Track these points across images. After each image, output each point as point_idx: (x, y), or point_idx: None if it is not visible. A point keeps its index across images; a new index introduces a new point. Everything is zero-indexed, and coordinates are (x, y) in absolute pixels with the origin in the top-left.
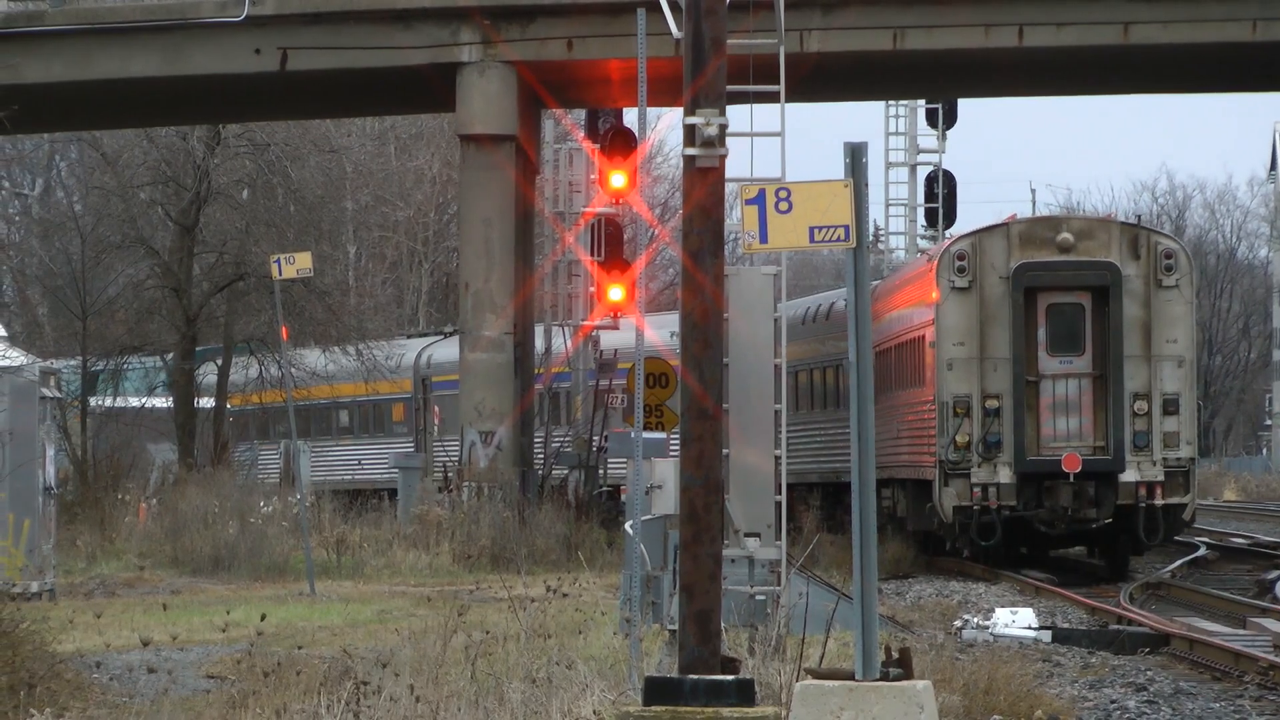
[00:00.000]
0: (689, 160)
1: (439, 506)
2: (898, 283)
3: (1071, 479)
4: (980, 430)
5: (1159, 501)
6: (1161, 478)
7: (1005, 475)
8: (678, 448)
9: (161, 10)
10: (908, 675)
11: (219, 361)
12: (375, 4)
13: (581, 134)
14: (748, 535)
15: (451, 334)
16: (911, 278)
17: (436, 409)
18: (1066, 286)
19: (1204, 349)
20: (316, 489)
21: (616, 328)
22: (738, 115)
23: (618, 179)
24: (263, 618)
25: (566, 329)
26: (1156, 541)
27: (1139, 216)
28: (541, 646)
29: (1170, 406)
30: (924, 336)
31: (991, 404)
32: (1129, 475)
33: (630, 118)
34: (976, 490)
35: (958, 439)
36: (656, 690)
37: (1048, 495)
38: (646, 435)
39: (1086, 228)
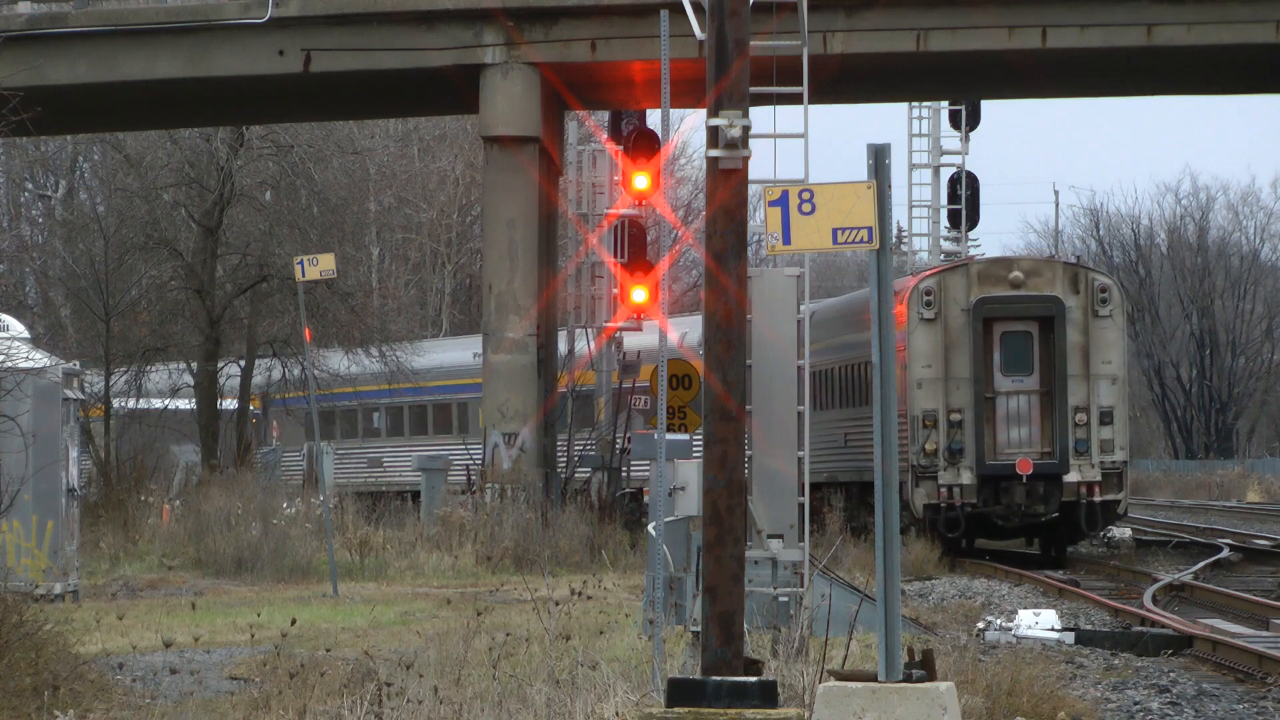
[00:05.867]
0: (712, 162)
1: (462, 508)
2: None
3: (1024, 480)
4: (946, 439)
5: (1097, 498)
6: (1099, 478)
7: (967, 477)
8: (700, 449)
9: (185, 12)
10: (931, 677)
11: (241, 363)
12: (399, 5)
13: (605, 135)
14: (771, 537)
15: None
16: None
17: (275, 424)
18: (1017, 317)
19: (1228, 350)
20: (339, 490)
21: (640, 329)
22: (761, 117)
23: (641, 180)
24: (293, 622)
25: (590, 331)
26: (1095, 532)
27: (1078, 256)
28: (565, 648)
29: (1106, 418)
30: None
31: (955, 417)
32: (1072, 476)
33: (653, 119)
34: (943, 490)
35: (926, 447)
36: (680, 691)
37: (1004, 494)
38: (670, 437)
39: (1034, 267)
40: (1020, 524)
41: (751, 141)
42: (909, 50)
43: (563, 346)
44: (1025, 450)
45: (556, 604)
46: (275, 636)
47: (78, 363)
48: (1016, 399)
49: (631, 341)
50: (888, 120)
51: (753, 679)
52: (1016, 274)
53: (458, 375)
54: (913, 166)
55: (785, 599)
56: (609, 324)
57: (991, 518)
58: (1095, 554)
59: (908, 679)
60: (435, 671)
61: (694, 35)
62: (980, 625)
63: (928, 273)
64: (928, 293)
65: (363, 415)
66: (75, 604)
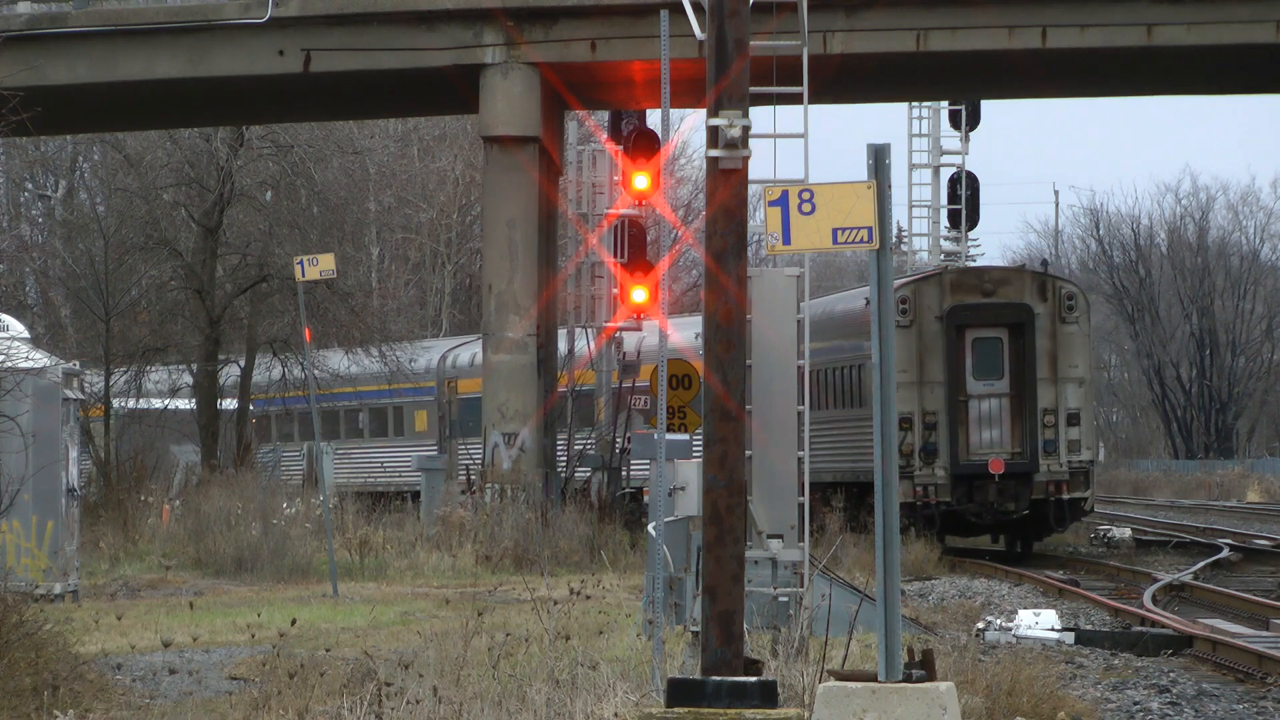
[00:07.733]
0: (712, 162)
1: (462, 508)
2: (851, 315)
3: (996, 479)
4: (921, 440)
5: (1065, 496)
6: (1067, 477)
7: (942, 476)
8: (700, 449)
9: (185, 12)
10: (930, 677)
11: (240, 363)
12: (398, 5)
13: (605, 135)
14: (771, 537)
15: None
16: (861, 314)
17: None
18: (988, 323)
19: (1228, 350)
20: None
21: (639, 329)
22: (761, 117)
23: (641, 180)
24: (293, 622)
25: (590, 331)
26: (1063, 528)
27: (1045, 263)
28: (564, 648)
29: (1073, 419)
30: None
31: (930, 419)
32: (1041, 475)
33: (653, 119)
34: (919, 489)
35: (902, 448)
36: (679, 691)
37: (977, 492)
38: (670, 437)
39: (1004, 276)
40: (992, 521)
41: (751, 141)
42: (909, 50)
43: (563, 346)
44: (997, 450)
45: (556, 604)
46: (275, 636)
47: (78, 363)
48: (988, 402)
49: (631, 341)
50: (888, 120)
51: (753, 679)
52: (987, 283)
53: (396, 380)
54: (913, 166)
55: (785, 599)
56: (609, 324)
57: (965, 515)
58: (1095, 553)
59: (908, 679)
60: (435, 671)
61: (694, 35)
62: (980, 625)
63: (903, 281)
64: (903, 300)
65: (299, 420)
66: (75, 604)
